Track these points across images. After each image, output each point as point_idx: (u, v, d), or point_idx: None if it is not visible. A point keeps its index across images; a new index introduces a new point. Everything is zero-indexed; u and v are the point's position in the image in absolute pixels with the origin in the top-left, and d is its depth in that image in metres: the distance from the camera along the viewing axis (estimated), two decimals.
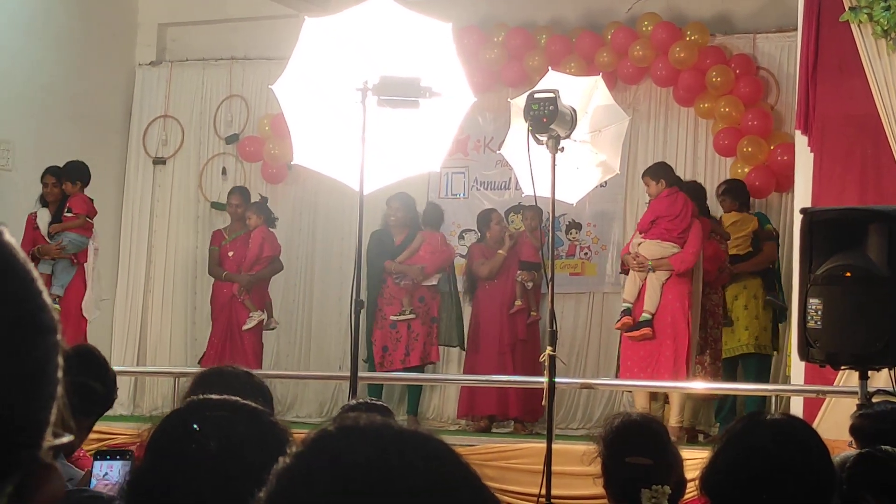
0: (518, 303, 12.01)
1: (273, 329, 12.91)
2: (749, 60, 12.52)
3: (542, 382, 7.65)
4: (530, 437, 10.95)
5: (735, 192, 11.75)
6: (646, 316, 10.70)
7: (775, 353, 11.69)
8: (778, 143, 12.15)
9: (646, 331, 10.66)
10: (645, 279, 10.81)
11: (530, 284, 12.06)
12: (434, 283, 12.33)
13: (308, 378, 13.19)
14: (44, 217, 12.03)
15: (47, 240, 11.93)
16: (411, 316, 12.08)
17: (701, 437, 11.20)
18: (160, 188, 14.47)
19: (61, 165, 12.16)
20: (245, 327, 12.48)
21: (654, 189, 10.97)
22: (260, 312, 12.52)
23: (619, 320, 10.93)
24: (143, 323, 14.20)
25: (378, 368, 11.96)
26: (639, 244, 10.90)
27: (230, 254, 12.70)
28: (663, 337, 10.67)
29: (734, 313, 11.48)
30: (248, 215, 12.71)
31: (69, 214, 12.06)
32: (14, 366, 1.13)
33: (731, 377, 11.45)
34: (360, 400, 5.96)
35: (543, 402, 7.67)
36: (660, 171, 11.08)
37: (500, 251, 12.06)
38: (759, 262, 11.61)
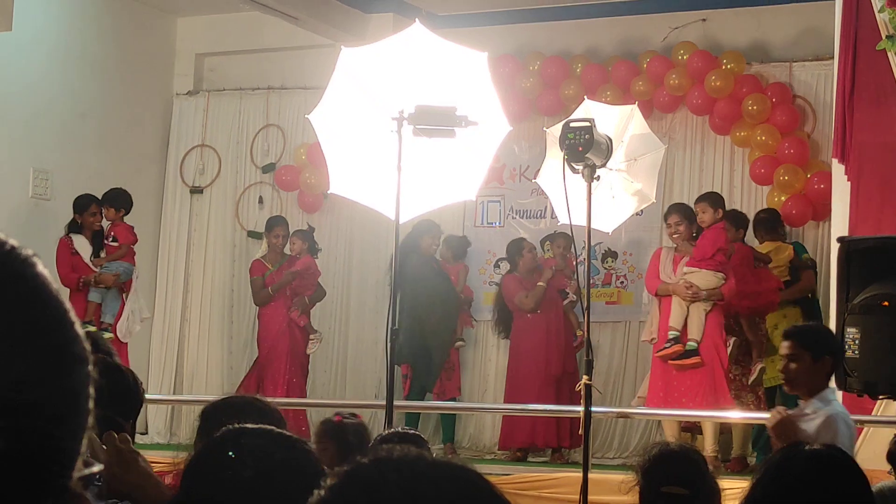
0: (579, 332, 11.89)
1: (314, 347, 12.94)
2: (785, 89, 12.49)
3: (579, 411, 7.62)
4: (566, 467, 10.91)
5: (765, 222, 11.69)
6: (692, 344, 10.63)
7: None
8: (815, 172, 12.11)
9: (696, 359, 10.59)
10: (688, 308, 10.77)
11: (573, 296, 12.02)
12: None
13: (344, 406, 13.13)
14: (82, 244, 12.02)
15: (92, 267, 11.95)
16: (460, 343, 12.35)
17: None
18: (197, 217, 14.54)
19: (99, 195, 12.21)
20: (309, 351, 12.62)
21: (709, 217, 10.87)
22: (319, 333, 12.67)
23: (663, 348, 10.76)
24: (180, 351, 14.24)
25: (435, 398, 12.08)
26: (687, 273, 10.79)
27: (270, 286, 12.75)
28: (709, 365, 10.63)
29: (774, 342, 11.40)
30: (292, 240, 12.77)
31: (114, 244, 12.11)
32: (47, 396, 1.13)
33: (771, 406, 11.37)
34: (394, 430, 5.95)
35: (580, 431, 7.64)
36: (719, 201, 11.05)
37: (540, 283, 12.02)
38: (798, 290, 11.54)
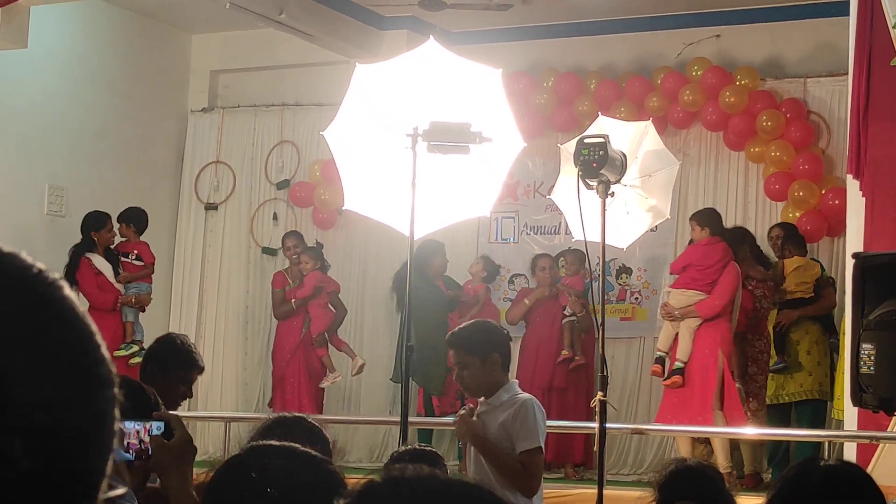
0: (565, 352, 11.96)
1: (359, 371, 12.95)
2: (800, 105, 12.48)
3: (594, 428, 7.62)
4: (581, 484, 10.90)
5: (795, 238, 11.67)
6: (678, 364, 10.80)
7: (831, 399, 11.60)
8: (829, 188, 12.10)
9: (676, 378, 10.82)
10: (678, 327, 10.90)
11: (571, 313, 12.02)
12: None
13: (358, 423, 13.20)
14: (101, 263, 12.02)
15: (115, 286, 11.99)
16: None
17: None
18: (212, 233, 14.57)
19: (114, 211, 12.25)
20: (322, 384, 12.65)
21: (697, 234, 11.08)
22: (338, 374, 12.66)
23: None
24: None
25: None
26: (668, 293, 11.02)
27: (293, 299, 12.80)
28: (693, 384, 10.72)
29: (798, 358, 11.36)
30: (303, 259, 12.81)
31: (138, 262, 12.16)
32: (73, 418, 1.15)
33: (786, 422, 11.36)
34: (410, 446, 5.97)
35: (595, 448, 7.63)
36: (706, 218, 11.11)
37: (525, 300, 12.15)
38: (819, 308, 11.50)
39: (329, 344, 12.81)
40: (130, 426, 3.44)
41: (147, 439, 3.45)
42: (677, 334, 11.00)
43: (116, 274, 12.06)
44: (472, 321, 6.81)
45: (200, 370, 6.79)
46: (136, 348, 11.67)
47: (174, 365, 6.65)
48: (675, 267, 11.28)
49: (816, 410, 11.48)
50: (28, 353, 1.13)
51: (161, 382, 6.41)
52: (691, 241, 11.38)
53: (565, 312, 12.08)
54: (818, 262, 11.81)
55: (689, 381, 10.76)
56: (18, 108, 12.68)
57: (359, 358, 12.80)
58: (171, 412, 3.58)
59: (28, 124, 12.77)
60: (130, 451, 3.42)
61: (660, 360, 11.00)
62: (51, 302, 1.17)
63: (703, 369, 10.70)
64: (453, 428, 12.36)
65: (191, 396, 6.86)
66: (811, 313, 11.41)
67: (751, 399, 11.22)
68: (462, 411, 6.28)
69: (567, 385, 11.98)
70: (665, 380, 10.92)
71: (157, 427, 3.45)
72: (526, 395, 6.19)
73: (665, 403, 11.01)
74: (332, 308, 12.90)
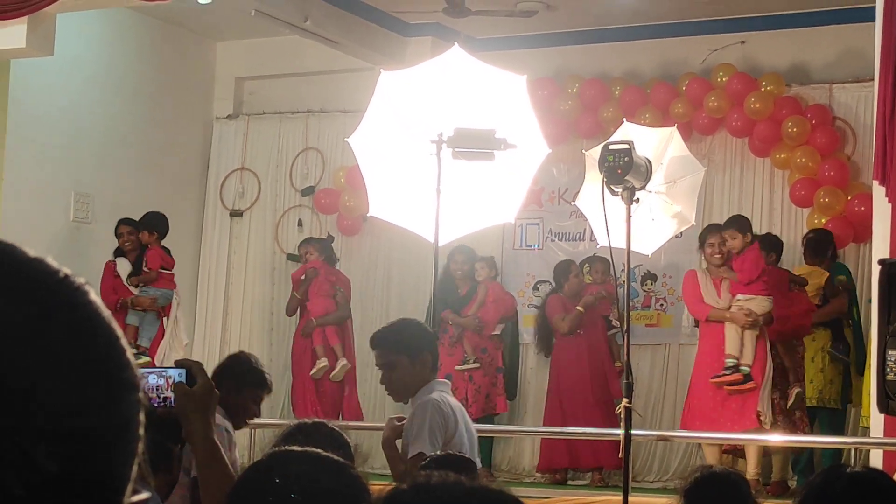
0: (617, 364, 11.89)
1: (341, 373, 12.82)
2: (825, 111, 12.45)
3: (619, 434, 7.60)
4: (606, 490, 10.88)
5: (813, 243, 11.64)
6: (745, 369, 10.51)
7: (850, 406, 11.56)
8: (855, 194, 12.06)
9: (752, 384, 10.48)
10: (743, 333, 10.66)
11: (619, 325, 11.96)
12: (497, 332, 12.37)
13: (382, 429, 13.16)
14: (124, 267, 12.16)
15: (130, 289, 12.07)
16: (475, 365, 12.07)
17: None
18: (237, 240, 14.60)
19: (139, 218, 12.32)
20: (312, 372, 12.53)
21: (739, 243, 10.70)
22: (323, 360, 12.56)
23: (720, 375, 10.61)
24: None
25: None
26: (743, 300, 10.66)
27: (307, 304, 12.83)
28: (757, 389, 10.57)
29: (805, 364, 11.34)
30: (308, 249, 12.80)
31: (146, 269, 12.20)
32: (98, 423, 1.15)
33: (808, 430, 11.33)
34: (448, 451, 5.89)
35: (620, 455, 7.62)
36: (746, 225, 10.94)
37: (578, 307, 12.00)
38: (824, 314, 11.44)
39: (323, 335, 12.65)
40: (153, 379, 3.44)
41: (170, 393, 3.44)
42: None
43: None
44: (396, 321, 6.49)
45: (270, 390, 6.80)
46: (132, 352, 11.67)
47: (249, 383, 6.66)
48: (752, 275, 10.70)
49: (832, 418, 11.44)
50: (53, 358, 1.14)
51: (235, 400, 6.42)
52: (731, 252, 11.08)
53: (614, 324, 12.04)
54: (838, 265, 11.77)
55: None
56: (45, 116, 12.73)
57: (343, 360, 12.65)
58: (192, 360, 3.56)
59: (54, 131, 12.83)
60: (154, 401, 3.42)
61: (735, 368, 10.63)
62: (76, 307, 1.18)
63: (760, 375, 10.56)
64: (482, 435, 12.39)
65: (258, 416, 6.85)
66: (816, 320, 11.35)
67: (795, 410, 11.08)
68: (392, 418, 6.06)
69: (619, 394, 11.89)
70: (740, 384, 10.58)
71: (178, 374, 3.43)
72: (430, 397, 5.88)
73: (704, 407, 10.69)
74: (335, 301, 12.81)
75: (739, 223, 10.96)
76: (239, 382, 6.59)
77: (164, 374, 3.45)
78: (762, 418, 10.43)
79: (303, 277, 12.77)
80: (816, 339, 11.38)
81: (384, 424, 5.93)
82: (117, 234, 12.26)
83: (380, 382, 5.92)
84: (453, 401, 5.98)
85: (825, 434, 11.22)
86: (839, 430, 11.46)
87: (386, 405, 13.64)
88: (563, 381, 11.96)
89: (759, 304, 10.66)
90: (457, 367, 11.96)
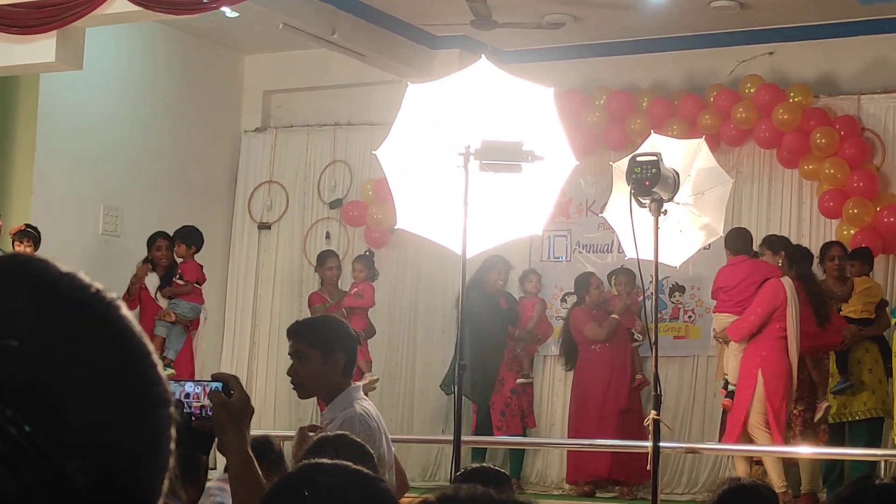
0: (639, 376, 11.99)
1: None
2: (854, 122, 12.41)
3: (647, 447, 7.59)
4: (635, 503, 10.86)
5: (865, 255, 11.57)
6: (731, 388, 10.73)
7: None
8: (884, 205, 12.02)
9: (726, 402, 10.78)
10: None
11: (641, 338, 12.03)
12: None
13: (411, 441, 13.18)
14: (152, 280, 12.20)
15: (157, 303, 12.11)
16: (531, 380, 12.31)
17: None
18: (265, 253, 14.64)
19: (168, 231, 12.36)
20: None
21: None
22: (374, 377, 12.62)
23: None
24: (248, 387, 14.24)
25: (496, 432, 12.00)
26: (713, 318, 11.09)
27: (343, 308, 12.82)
28: (737, 406, 10.66)
29: (861, 376, 11.24)
30: (355, 266, 12.82)
31: (180, 281, 12.23)
32: (129, 438, 1.16)
33: (842, 442, 11.26)
34: (480, 465, 5.84)
35: (648, 467, 7.60)
36: (729, 242, 10.97)
37: (613, 315, 12.03)
38: (876, 329, 11.41)
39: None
40: (191, 388, 3.45)
41: (208, 402, 3.45)
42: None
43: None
44: (320, 315, 6.29)
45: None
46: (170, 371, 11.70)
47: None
48: (713, 295, 11.27)
49: (872, 429, 11.38)
50: (85, 372, 1.15)
51: None
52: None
53: (636, 337, 12.08)
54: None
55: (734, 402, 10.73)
56: (74, 129, 12.80)
57: (373, 374, 12.66)
58: (229, 373, 3.57)
59: (83, 145, 12.89)
60: (192, 409, 3.43)
61: (724, 386, 10.95)
62: (108, 322, 1.18)
63: (739, 390, 10.61)
64: (507, 447, 12.42)
65: None
66: (872, 333, 11.32)
67: (823, 424, 11.07)
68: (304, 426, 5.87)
69: (638, 406, 12.00)
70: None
71: (215, 387, 3.44)
72: (354, 411, 5.64)
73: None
74: (369, 320, 12.84)
75: (726, 240, 10.90)
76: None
77: (201, 384, 3.47)
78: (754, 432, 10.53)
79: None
80: (870, 351, 11.30)
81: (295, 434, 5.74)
82: (153, 247, 12.26)
83: (286, 373, 5.76)
84: (373, 409, 5.84)
85: (865, 446, 11.10)
86: (880, 442, 11.37)
87: (395, 415, 13.67)
88: (589, 393, 11.98)
89: (717, 321, 11.12)
90: (518, 381, 12.17)
